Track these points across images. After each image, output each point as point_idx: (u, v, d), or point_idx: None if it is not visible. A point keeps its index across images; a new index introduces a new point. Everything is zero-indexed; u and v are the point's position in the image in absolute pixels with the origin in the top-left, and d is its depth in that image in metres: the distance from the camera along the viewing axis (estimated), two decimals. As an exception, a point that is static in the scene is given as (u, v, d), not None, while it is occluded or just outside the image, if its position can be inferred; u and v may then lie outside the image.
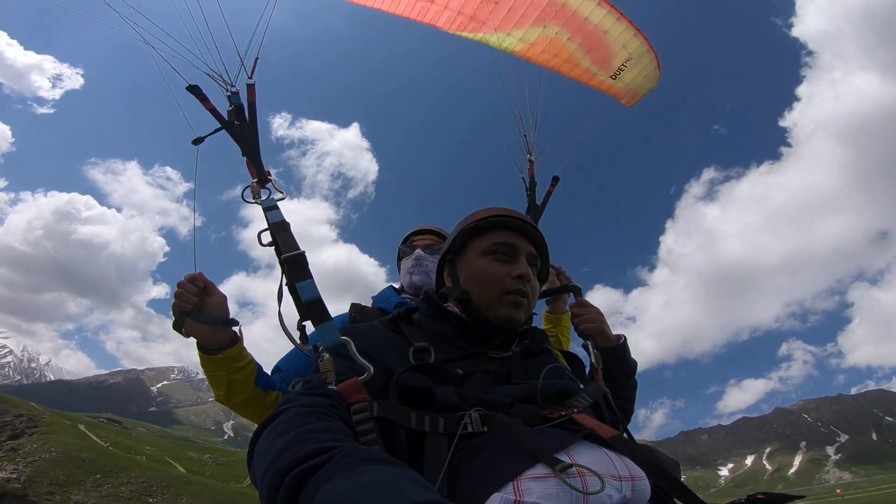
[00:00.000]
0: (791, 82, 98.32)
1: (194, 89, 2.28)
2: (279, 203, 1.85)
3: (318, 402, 1.03)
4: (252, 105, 2.26)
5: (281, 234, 1.65)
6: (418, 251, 2.37)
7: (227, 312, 1.74)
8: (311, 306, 1.40)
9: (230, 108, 2.26)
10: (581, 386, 1.46)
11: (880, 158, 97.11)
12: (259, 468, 0.87)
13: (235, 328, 1.76)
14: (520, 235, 1.54)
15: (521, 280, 1.46)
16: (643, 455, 1.07)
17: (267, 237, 1.73)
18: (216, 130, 2.23)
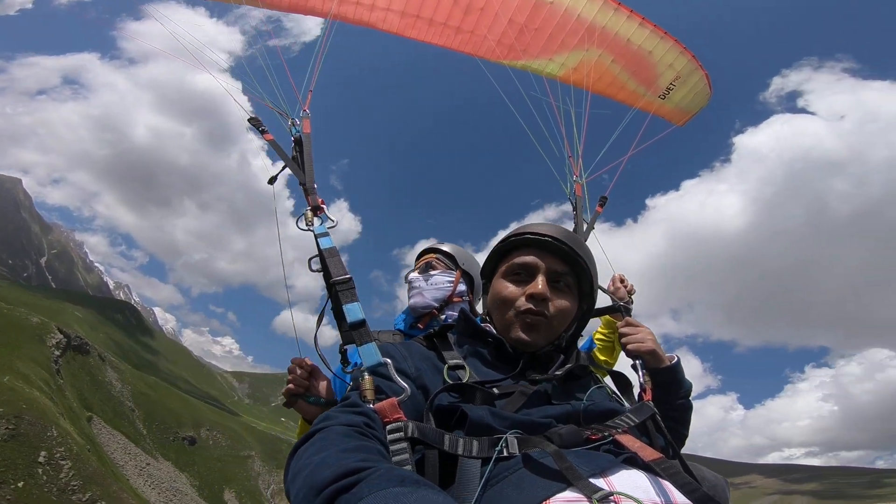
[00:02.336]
0: (681, 175, 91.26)
1: (255, 121, 2.43)
2: (330, 230, 1.94)
3: (355, 420, 1.04)
4: (307, 136, 2.38)
5: (332, 259, 1.71)
6: (412, 274, 2.45)
7: (333, 393, 1.91)
8: (356, 328, 1.43)
9: (292, 141, 2.39)
10: (627, 407, 1.39)
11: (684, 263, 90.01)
12: (295, 484, 0.88)
13: None
14: (543, 252, 1.46)
15: (534, 299, 1.40)
16: (686, 482, 0.98)
17: (316, 263, 1.81)
18: (283, 168, 2.33)
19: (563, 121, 3.72)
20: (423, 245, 2.64)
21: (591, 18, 4.07)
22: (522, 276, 1.46)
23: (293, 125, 2.45)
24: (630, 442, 1.11)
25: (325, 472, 0.81)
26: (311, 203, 2.10)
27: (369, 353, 1.32)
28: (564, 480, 0.91)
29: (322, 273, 1.84)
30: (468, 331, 1.51)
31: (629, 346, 1.80)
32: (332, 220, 2.02)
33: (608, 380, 1.58)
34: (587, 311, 1.55)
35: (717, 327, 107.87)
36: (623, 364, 2.05)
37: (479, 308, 2.40)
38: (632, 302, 2.61)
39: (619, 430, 1.15)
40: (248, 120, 2.42)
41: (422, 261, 2.53)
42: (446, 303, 2.34)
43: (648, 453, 1.05)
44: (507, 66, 3.91)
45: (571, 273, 1.47)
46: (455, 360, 1.34)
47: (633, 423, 1.23)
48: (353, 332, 1.43)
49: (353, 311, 1.48)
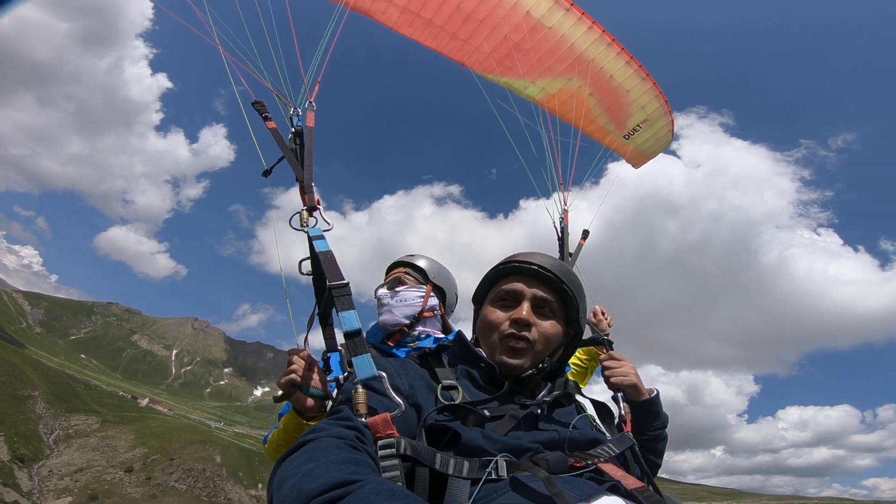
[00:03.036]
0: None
1: (259, 106, 2.26)
2: (325, 233, 1.84)
3: (346, 433, 1.04)
4: (310, 130, 2.24)
5: (328, 263, 1.66)
6: (380, 291, 2.39)
7: (328, 387, 1.81)
8: (351, 337, 1.39)
9: (291, 132, 2.23)
10: (608, 437, 1.48)
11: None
12: (281, 492, 0.88)
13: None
14: (530, 280, 1.55)
15: (517, 324, 1.47)
16: None
17: (307, 266, 1.79)
18: (280, 160, 2.19)
19: (559, 150, 4.00)
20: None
21: (584, 49, 4.27)
22: (509, 301, 1.54)
23: (295, 115, 2.29)
24: (613, 471, 1.18)
25: (314, 483, 0.82)
26: (307, 202, 1.98)
27: (364, 366, 1.28)
28: None
29: (312, 277, 1.81)
30: (462, 353, 1.55)
31: (612, 379, 1.87)
32: (328, 223, 1.92)
33: (590, 407, 1.65)
34: (574, 336, 1.61)
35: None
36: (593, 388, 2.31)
37: (453, 323, 2.51)
38: (609, 334, 2.77)
39: (602, 459, 1.23)
40: (252, 104, 2.26)
41: (391, 275, 2.46)
42: (417, 319, 2.31)
43: (631, 482, 1.12)
44: (490, 81, 4.12)
45: (558, 300, 1.55)
46: (449, 381, 1.37)
47: (614, 454, 1.31)
48: (347, 342, 1.39)
49: (349, 320, 1.44)
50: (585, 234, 3.76)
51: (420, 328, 2.30)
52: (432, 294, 2.38)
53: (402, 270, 2.44)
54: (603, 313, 2.85)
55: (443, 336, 2.32)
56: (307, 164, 2.13)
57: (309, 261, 1.84)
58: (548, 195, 3.82)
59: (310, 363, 1.78)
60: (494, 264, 1.66)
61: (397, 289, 2.34)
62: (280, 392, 1.71)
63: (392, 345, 2.28)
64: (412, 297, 2.32)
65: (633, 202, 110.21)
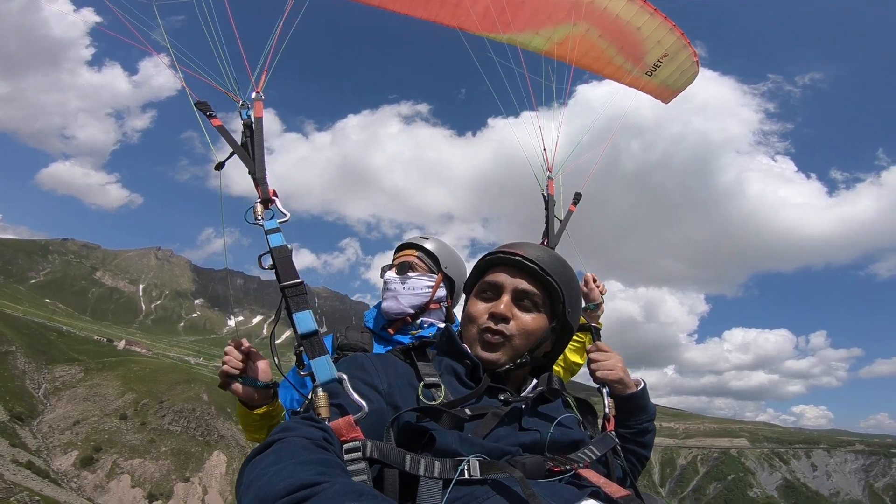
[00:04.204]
0: (522, 105, 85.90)
1: (203, 106, 2.23)
2: (282, 225, 1.82)
3: (314, 434, 1.02)
4: (259, 121, 2.18)
5: (281, 259, 1.63)
6: (388, 274, 2.30)
7: (270, 376, 1.83)
8: (306, 339, 1.40)
9: (243, 125, 2.19)
10: (591, 436, 1.42)
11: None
12: (248, 495, 0.86)
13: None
14: (513, 270, 1.48)
15: (494, 318, 1.43)
16: None
17: (268, 260, 1.72)
18: (230, 155, 2.15)
19: (537, 110, 3.67)
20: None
21: (581, -8, 4.04)
22: (490, 294, 1.49)
23: (244, 107, 2.24)
24: (594, 477, 1.15)
25: (279, 485, 0.81)
26: (261, 195, 1.94)
27: (322, 368, 1.29)
28: None
29: (275, 271, 1.75)
30: (448, 348, 1.50)
31: (598, 374, 1.80)
32: (285, 214, 1.89)
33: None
34: (563, 330, 1.54)
35: (511, 239, 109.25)
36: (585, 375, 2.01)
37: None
38: (603, 301, 2.62)
39: (581, 465, 1.19)
40: (195, 105, 2.23)
41: (400, 257, 2.36)
42: (423, 309, 2.24)
43: (614, 489, 1.09)
44: (492, 40, 3.89)
45: (542, 292, 1.47)
46: (431, 378, 1.33)
47: (594, 458, 1.27)
48: (304, 343, 1.39)
49: (303, 321, 1.44)
50: (577, 197, 3.38)
51: (424, 318, 2.24)
52: (442, 285, 2.29)
53: (414, 254, 2.34)
54: (595, 280, 2.63)
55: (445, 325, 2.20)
56: (258, 156, 2.09)
57: (269, 255, 1.77)
58: (535, 163, 3.44)
59: (247, 353, 1.80)
60: (483, 255, 1.60)
61: (408, 274, 2.25)
62: (221, 382, 1.79)
63: (392, 332, 2.22)
64: (421, 287, 2.23)
65: (600, 122, 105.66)
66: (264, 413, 1.82)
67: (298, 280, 1.55)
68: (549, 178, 3.37)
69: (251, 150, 2.10)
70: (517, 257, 1.47)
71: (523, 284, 1.45)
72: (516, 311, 1.44)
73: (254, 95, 2.26)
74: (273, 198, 1.94)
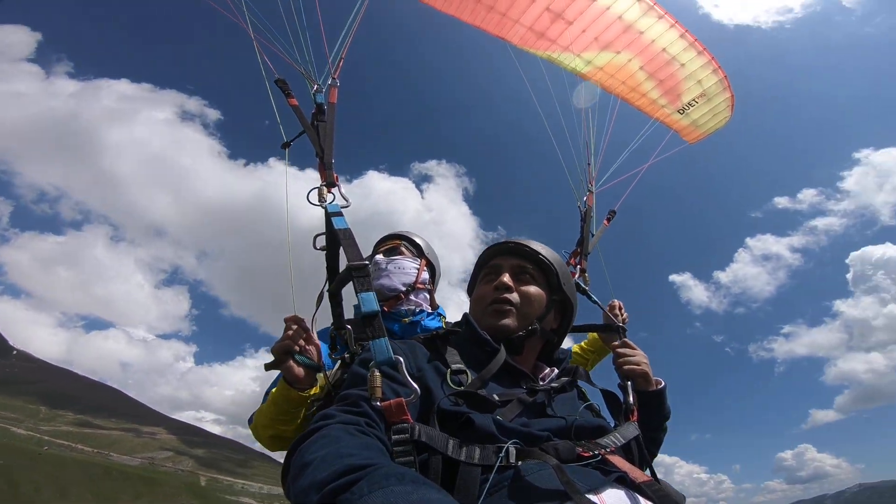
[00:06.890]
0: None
1: (282, 83, 2.29)
2: (343, 210, 1.85)
3: (356, 419, 1.06)
4: (332, 106, 2.26)
5: (346, 241, 1.65)
6: (378, 256, 2.43)
7: (322, 361, 1.77)
8: (369, 319, 1.36)
9: (314, 108, 2.25)
10: (614, 425, 1.50)
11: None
12: (295, 481, 0.89)
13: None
14: (506, 255, 1.72)
15: (497, 289, 1.61)
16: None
17: (321, 241, 1.80)
18: (300, 134, 2.20)
19: (591, 124, 3.77)
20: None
21: (633, 21, 4.02)
22: (492, 276, 1.69)
23: (318, 91, 2.30)
24: (620, 462, 1.18)
25: (326, 470, 0.83)
26: (325, 178, 1.99)
27: (381, 349, 1.27)
28: (563, 494, 0.96)
29: (326, 253, 1.81)
30: (470, 336, 1.55)
31: (625, 367, 1.84)
32: (346, 201, 1.92)
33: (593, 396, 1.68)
34: (563, 305, 1.71)
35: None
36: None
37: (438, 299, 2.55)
38: (626, 330, 2.68)
39: (608, 450, 1.23)
40: (275, 81, 2.28)
41: (386, 245, 2.53)
42: (412, 288, 2.37)
43: (638, 475, 1.12)
44: (531, 55, 3.94)
45: (536, 268, 1.68)
46: (458, 365, 1.37)
47: (620, 444, 1.32)
48: (364, 323, 1.36)
49: (367, 301, 1.41)
50: (611, 215, 3.52)
51: (412, 297, 2.36)
52: (425, 269, 2.48)
53: (398, 242, 2.53)
54: (620, 308, 2.73)
55: (432, 312, 2.38)
56: (328, 140, 2.15)
57: (323, 236, 1.83)
58: (576, 177, 3.58)
59: (306, 331, 1.73)
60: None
61: (394, 257, 2.43)
62: (272, 359, 1.67)
63: (387, 310, 2.29)
64: (408, 267, 2.40)
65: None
66: (308, 396, 1.73)
67: (365, 262, 1.56)
68: (588, 191, 3.54)
69: (320, 133, 2.15)
70: (510, 244, 1.73)
71: (518, 262, 1.68)
72: (517, 284, 1.63)
73: (330, 81, 2.38)
74: (336, 183, 1.99)
